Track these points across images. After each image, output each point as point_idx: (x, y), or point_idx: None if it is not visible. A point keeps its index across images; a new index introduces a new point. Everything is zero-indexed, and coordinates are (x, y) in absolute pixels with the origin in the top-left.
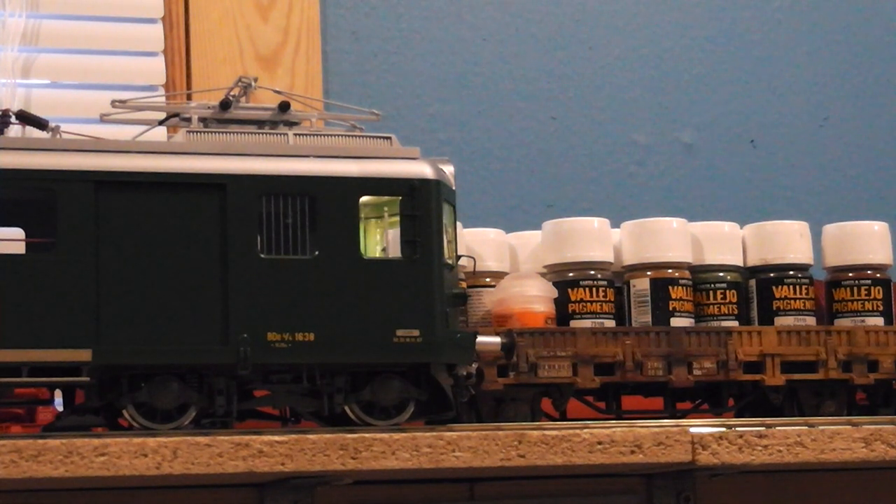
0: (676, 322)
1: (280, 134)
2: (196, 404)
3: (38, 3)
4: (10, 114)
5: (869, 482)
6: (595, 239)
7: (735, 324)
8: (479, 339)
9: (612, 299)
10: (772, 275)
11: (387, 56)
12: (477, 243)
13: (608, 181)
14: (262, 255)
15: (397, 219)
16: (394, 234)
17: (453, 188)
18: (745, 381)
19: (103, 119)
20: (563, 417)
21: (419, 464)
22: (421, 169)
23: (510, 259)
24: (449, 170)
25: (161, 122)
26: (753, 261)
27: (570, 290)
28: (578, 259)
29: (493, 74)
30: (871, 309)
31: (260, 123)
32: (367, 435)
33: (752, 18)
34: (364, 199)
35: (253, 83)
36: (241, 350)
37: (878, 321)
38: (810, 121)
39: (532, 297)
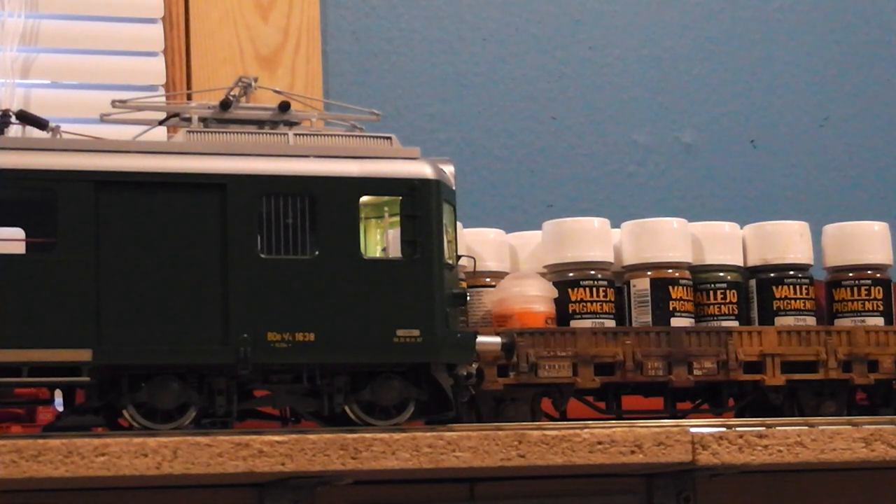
0: (676, 322)
1: (280, 134)
2: (196, 404)
3: (38, 3)
4: (10, 114)
5: (869, 482)
6: (595, 239)
7: (735, 324)
8: (479, 339)
9: (613, 299)
10: (772, 275)
11: (387, 56)
12: (477, 243)
13: (608, 181)
14: (263, 255)
15: (397, 219)
16: (394, 234)
17: (453, 188)
18: (745, 381)
19: (103, 119)
20: (563, 417)
21: (419, 464)
22: (421, 169)
23: (510, 259)
24: (449, 170)
25: (161, 122)
26: (753, 261)
27: (570, 290)
28: (578, 259)
29: (493, 74)
30: (871, 309)
31: (260, 123)
32: (367, 435)
33: (752, 18)
34: (364, 198)
35: (253, 83)
36: (241, 350)
37: (878, 321)
38: (810, 121)
39: (532, 297)
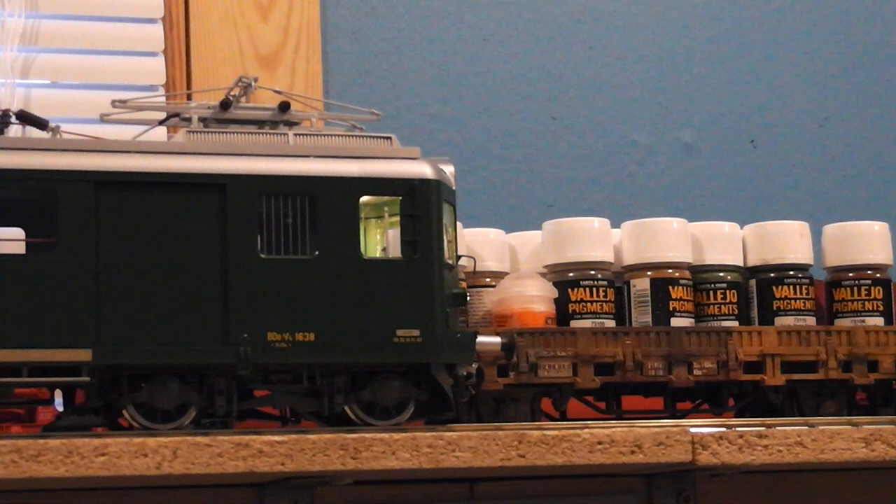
0: (676, 322)
1: (280, 134)
2: (196, 404)
3: (38, 3)
4: (10, 114)
5: (869, 482)
6: (595, 239)
7: (735, 324)
8: (479, 339)
9: (612, 299)
10: (772, 275)
11: (387, 56)
12: (477, 243)
13: (608, 181)
14: (262, 255)
15: (397, 219)
16: (394, 234)
17: (453, 188)
18: (745, 381)
19: (103, 119)
20: (563, 417)
21: (419, 464)
22: (421, 169)
23: (510, 259)
24: (449, 170)
25: (161, 122)
26: (753, 261)
27: (570, 290)
28: (578, 259)
29: (493, 74)
30: (871, 309)
31: (260, 123)
32: (367, 435)
33: (752, 18)
34: (364, 198)
35: (253, 83)
36: (241, 350)
37: (878, 321)
38: (810, 121)
39: (532, 297)
